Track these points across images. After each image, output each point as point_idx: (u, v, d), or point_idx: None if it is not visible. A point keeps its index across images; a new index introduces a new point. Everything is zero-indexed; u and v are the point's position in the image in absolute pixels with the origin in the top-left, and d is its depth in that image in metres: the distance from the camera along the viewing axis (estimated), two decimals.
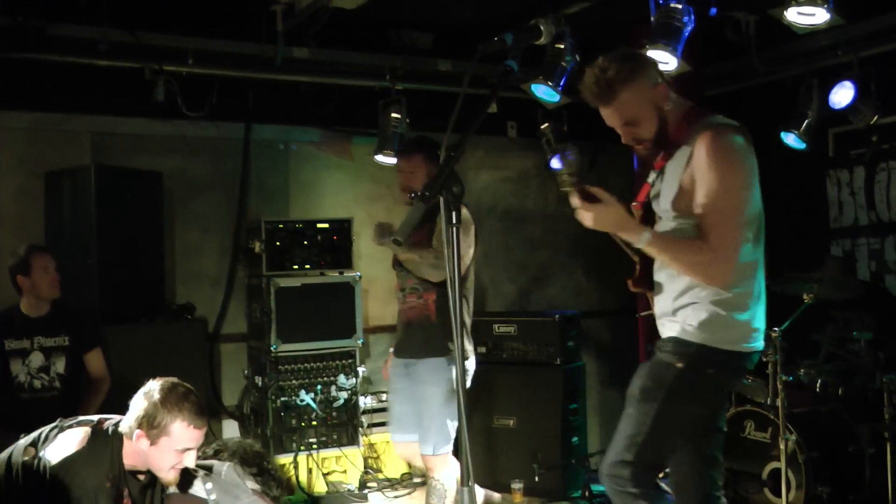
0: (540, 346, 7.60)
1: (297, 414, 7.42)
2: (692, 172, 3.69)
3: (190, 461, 4.15)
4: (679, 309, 3.88)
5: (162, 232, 7.27)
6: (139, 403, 4.09)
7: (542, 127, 8.64)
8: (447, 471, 5.74)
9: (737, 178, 3.68)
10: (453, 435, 5.58)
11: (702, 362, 3.81)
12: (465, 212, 5.28)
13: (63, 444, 4.01)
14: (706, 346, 3.78)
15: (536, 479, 7.29)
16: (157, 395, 4.08)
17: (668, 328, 3.95)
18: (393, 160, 7.84)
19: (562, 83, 6.76)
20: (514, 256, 9.38)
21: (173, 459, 4.10)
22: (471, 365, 5.75)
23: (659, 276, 4.02)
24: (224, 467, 4.73)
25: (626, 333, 9.22)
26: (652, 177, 4.02)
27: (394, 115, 7.73)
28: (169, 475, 4.16)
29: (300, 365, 7.42)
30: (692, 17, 5.95)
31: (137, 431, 4.02)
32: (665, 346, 3.90)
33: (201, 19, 7.33)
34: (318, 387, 7.46)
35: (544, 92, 6.96)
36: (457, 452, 5.96)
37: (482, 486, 7.20)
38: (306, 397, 7.38)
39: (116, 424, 4.13)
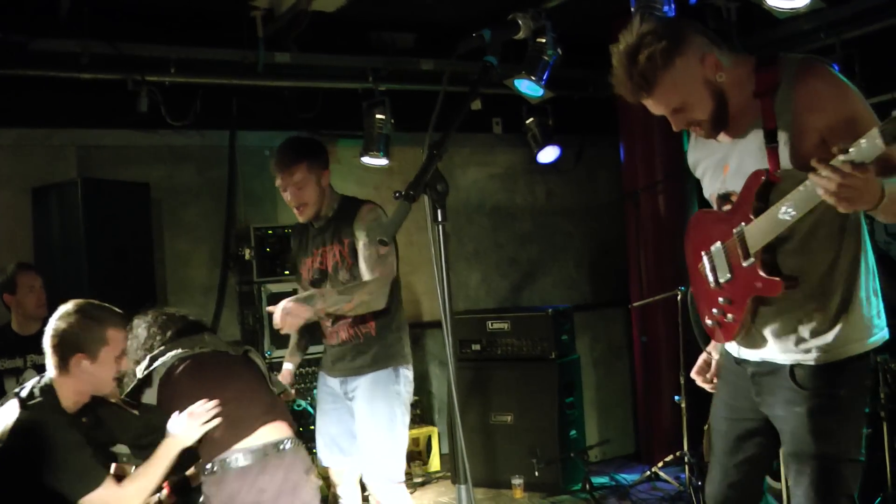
0: (534, 341, 7.60)
1: (294, 419, 7.39)
2: (811, 113, 2.99)
3: (125, 365, 4.16)
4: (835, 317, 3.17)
5: (151, 243, 7.25)
6: (61, 334, 3.97)
7: (528, 122, 8.66)
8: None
9: (861, 98, 3.08)
10: (402, 463, 4.98)
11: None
12: (375, 213, 4.94)
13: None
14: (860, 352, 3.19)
15: (536, 473, 7.30)
16: (76, 315, 3.99)
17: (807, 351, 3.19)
18: (379, 162, 7.84)
19: (545, 77, 6.75)
20: (505, 252, 9.38)
21: (114, 369, 4.06)
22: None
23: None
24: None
25: (620, 325, 9.24)
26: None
27: (378, 116, 7.72)
28: (111, 387, 4.14)
29: (295, 370, 7.40)
30: (672, 6, 5.95)
31: (75, 358, 3.92)
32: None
33: (182, 28, 7.32)
34: (314, 391, 7.44)
35: (528, 87, 6.95)
36: (453, 451, 5.97)
37: (481, 483, 7.21)
38: (303, 403, 7.37)
39: (40, 381, 4.01)
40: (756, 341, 3.27)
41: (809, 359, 3.14)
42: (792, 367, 3.16)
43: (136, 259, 7.01)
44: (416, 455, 8.25)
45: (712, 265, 3.33)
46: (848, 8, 7.02)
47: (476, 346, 7.64)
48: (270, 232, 7.47)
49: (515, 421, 7.56)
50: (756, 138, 3.11)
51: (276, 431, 4.36)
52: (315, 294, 4.78)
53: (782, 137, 3.02)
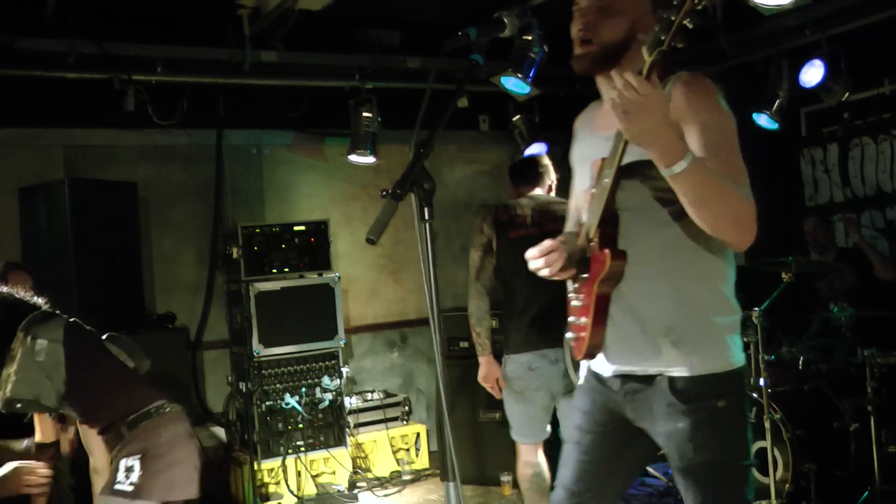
0: None
1: (282, 417, 7.41)
2: (677, 116, 2.78)
3: None
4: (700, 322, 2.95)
5: (139, 242, 7.24)
6: None
7: (514, 119, 8.67)
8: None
9: (732, 122, 2.90)
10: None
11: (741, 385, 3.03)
12: None
13: None
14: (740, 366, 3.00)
15: None
16: None
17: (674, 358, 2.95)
18: (366, 160, 7.84)
19: (531, 74, 6.76)
20: None
21: None
22: None
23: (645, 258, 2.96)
24: None
25: None
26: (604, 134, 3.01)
27: (365, 114, 7.72)
28: None
29: (283, 368, 7.42)
30: None
31: None
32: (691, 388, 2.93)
33: (168, 27, 7.32)
34: (303, 389, 7.45)
35: (514, 84, 6.96)
36: (442, 448, 6.00)
37: (471, 480, 7.22)
38: (291, 400, 7.37)
39: None
40: (623, 351, 3.01)
41: (685, 369, 2.90)
42: (670, 378, 2.91)
43: (124, 258, 7.00)
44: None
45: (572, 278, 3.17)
46: (833, 4, 7.03)
47: (464, 344, 7.62)
48: (258, 231, 7.46)
49: (503, 418, 7.55)
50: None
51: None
52: None
53: None
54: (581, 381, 3.27)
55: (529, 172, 5.60)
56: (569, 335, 3.19)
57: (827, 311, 6.67)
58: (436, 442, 8.52)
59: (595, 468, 3.13)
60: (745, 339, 6.03)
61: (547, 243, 3.03)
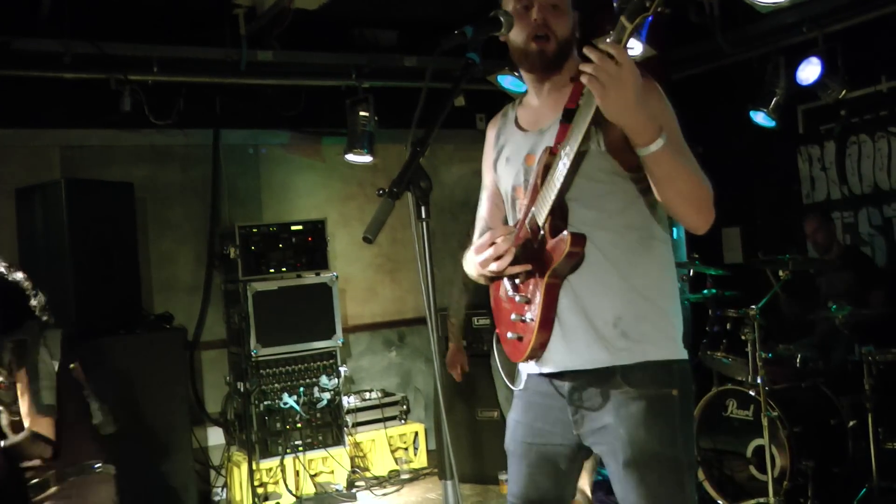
0: None
1: (281, 417, 7.41)
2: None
3: None
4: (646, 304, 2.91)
5: (136, 242, 7.22)
6: None
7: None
8: None
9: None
10: None
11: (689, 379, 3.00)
12: None
13: None
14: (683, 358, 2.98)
15: None
16: None
17: (620, 346, 2.88)
18: (363, 159, 7.84)
19: None
20: None
21: None
22: None
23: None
24: None
25: None
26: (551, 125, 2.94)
27: (362, 113, 7.72)
28: None
29: (281, 368, 7.42)
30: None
31: None
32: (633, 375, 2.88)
33: (164, 27, 7.31)
34: (301, 389, 7.45)
35: (511, 83, 6.98)
36: (440, 447, 6.04)
37: (469, 479, 7.23)
38: (289, 400, 7.37)
39: None
40: (571, 346, 2.89)
41: (637, 356, 2.84)
42: (622, 368, 2.84)
43: (121, 259, 6.99)
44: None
45: (511, 275, 2.99)
46: (830, 1, 7.04)
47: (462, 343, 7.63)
48: (255, 230, 7.46)
49: (502, 416, 7.56)
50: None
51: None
52: None
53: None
54: (521, 386, 3.15)
55: None
56: (509, 335, 3.01)
57: (825, 309, 6.68)
58: (434, 441, 8.52)
59: (546, 480, 3.05)
60: (743, 337, 6.05)
61: (491, 234, 2.90)
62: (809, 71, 7.19)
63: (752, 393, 6.07)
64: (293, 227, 7.59)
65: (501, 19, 2.76)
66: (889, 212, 7.66)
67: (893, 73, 7.43)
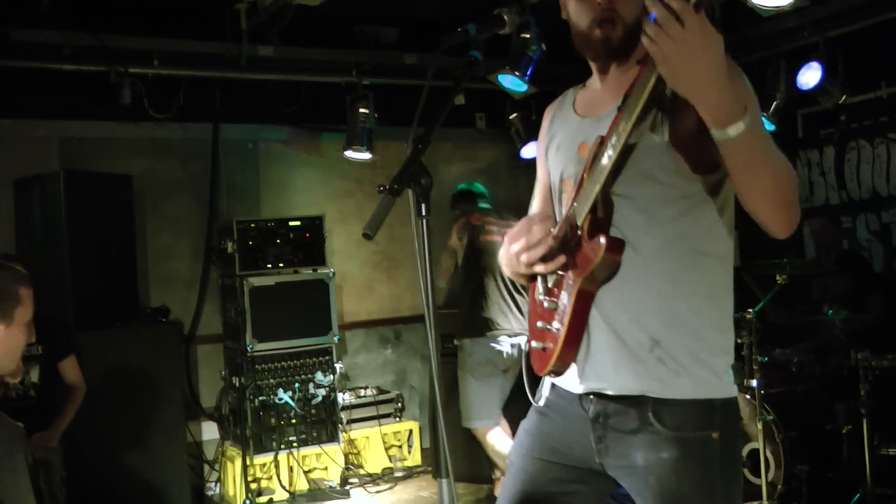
0: None
1: (275, 413, 7.41)
2: None
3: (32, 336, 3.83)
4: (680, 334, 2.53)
5: (133, 235, 7.22)
6: None
7: (511, 117, 8.68)
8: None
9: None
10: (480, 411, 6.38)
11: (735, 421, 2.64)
12: None
13: None
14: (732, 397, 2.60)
15: None
16: None
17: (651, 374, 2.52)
18: (362, 156, 7.84)
19: (528, 72, 6.76)
20: None
21: (25, 336, 3.76)
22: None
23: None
24: None
25: None
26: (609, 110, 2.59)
27: (361, 110, 7.71)
28: (16, 363, 3.83)
29: (277, 364, 7.42)
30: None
31: None
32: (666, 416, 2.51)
33: (165, 20, 7.30)
34: (296, 385, 7.45)
35: (511, 82, 6.96)
36: (435, 445, 6.06)
37: (463, 478, 7.22)
38: (284, 396, 7.37)
39: None
40: (597, 366, 2.57)
41: (672, 391, 2.49)
42: (653, 400, 2.49)
43: (119, 251, 6.98)
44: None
45: (544, 274, 2.69)
46: (832, 6, 7.04)
47: (459, 343, 7.62)
48: (253, 225, 7.46)
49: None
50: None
51: None
52: None
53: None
54: (541, 402, 2.82)
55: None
56: (534, 344, 2.73)
57: (821, 313, 6.68)
58: (428, 439, 8.52)
59: (545, 500, 2.74)
60: (739, 340, 6.05)
61: (528, 220, 2.62)
62: (810, 75, 7.20)
63: (747, 396, 6.07)
64: (291, 223, 7.59)
65: (505, 18, 2.75)
66: (887, 218, 7.67)
67: (893, 80, 7.44)
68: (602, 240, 2.43)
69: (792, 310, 7.26)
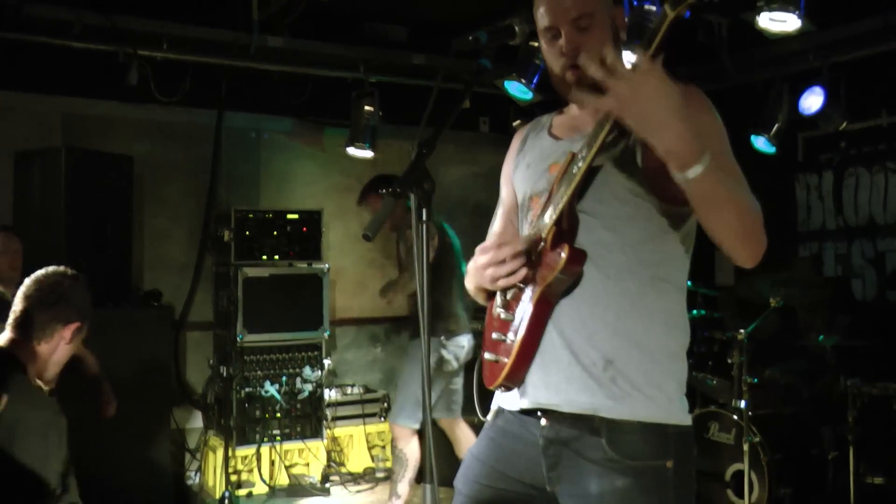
0: None
1: (261, 405, 7.41)
2: None
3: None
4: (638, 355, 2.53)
5: (131, 217, 7.21)
6: (46, 303, 3.86)
7: (514, 124, 8.68)
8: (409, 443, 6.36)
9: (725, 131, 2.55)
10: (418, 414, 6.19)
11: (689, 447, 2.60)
12: None
13: None
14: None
15: None
16: (66, 285, 3.99)
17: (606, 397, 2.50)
18: (364, 153, 7.84)
19: (534, 81, 6.77)
20: None
21: (73, 347, 4.01)
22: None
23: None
24: None
25: None
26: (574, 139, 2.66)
27: (366, 107, 7.71)
28: (56, 370, 3.98)
29: (266, 356, 7.41)
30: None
31: (58, 334, 3.86)
32: (621, 442, 2.48)
33: (177, 5, 7.29)
34: (283, 378, 7.45)
35: (517, 89, 6.97)
36: (421, 449, 6.08)
37: (446, 482, 7.22)
38: (271, 388, 7.36)
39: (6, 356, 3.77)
40: (550, 381, 2.54)
41: (624, 411, 2.47)
42: (607, 422, 2.47)
43: (115, 231, 6.98)
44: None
45: (503, 288, 2.68)
46: (837, 32, 7.05)
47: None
48: (251, 215, 7.46)
49: (480, 422, 7.56)
50: None
51: None
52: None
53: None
54: (489, 417, 2.82)
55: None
56: (486, 356, 2.70)
57: (811, 339, 6.70)
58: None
59: None
60: (730, 360, 6.07)
61: (494, 238, 2.68)
62: (812, 100, 7.21)
63: (734, 417, 6.09)
64: (289, 216, 7.58)
65: (516, 28, 2.75)
66: (882, 246, 7.68)
67: (894, 108, 7.46)
68: (564, 249, 2.44)
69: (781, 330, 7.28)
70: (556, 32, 2.62)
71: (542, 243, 2.53)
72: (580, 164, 2.44)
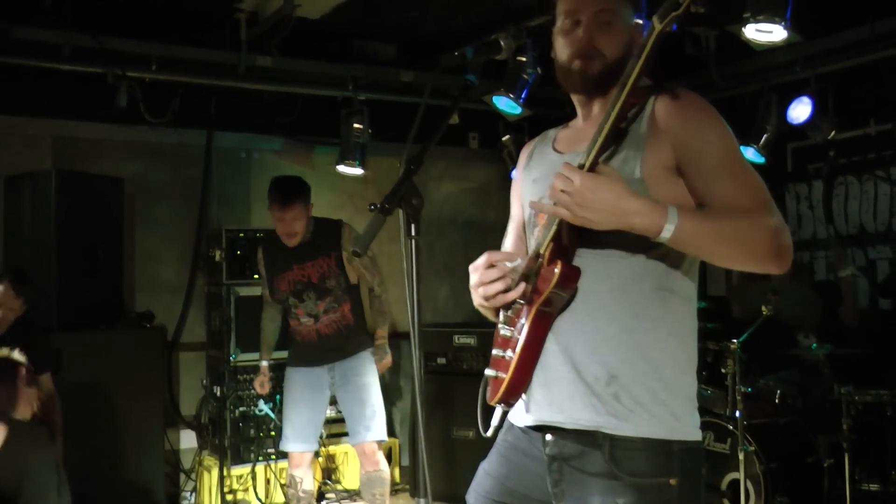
0: None
1: (255, 424, 7.40)
2: (668, 137, 2.47)
3: None
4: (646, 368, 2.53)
5: (122, 238, 7.22)
6: None
7: (504, 139, 8.70)
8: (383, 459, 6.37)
9: (734, 137, 2.55)
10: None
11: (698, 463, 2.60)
12: (353, 230, 5.82)
13: None
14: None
15: None
16: None
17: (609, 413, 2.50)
18: (355, 171, 7.84)
19: (523, 95, 6.78)
20: None
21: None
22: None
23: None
24: None
25: None
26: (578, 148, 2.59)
27: (356, 125, 7.71)
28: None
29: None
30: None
31: None
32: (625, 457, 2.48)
33: (165, 26, 7.31)
34: (277, 396, 7.42)
35: (506, 104, 6.98)
36: (414, 463, 6.07)
37: (441, 498, 7.20)
38: (265, 407, 7.35)
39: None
40: (553, 397, 2.55)
41: (628, 428, 2.46)
42: (610, 438, 2.46)
43: (106, 253, 6.98)
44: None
45: (504, 305, 2.70)
46: (824, 42, 7.08)
47: (441, 360, 7.63)
48: (242, 235, 7.45)
49: (477, 436, 7.54)
50: None
51: None
52: (384, 343, 6.30)
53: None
54: (489, 433, 2.82)
55: None
56: (488, 372, 2.71)
57: (803, 347, 6.71)
58: (407, 457, 8.50)
59: None
60: (724, 370, 6.08)
61: (488, 256, 2.68)
62: (800, 110, 7.23)
63: (729, 426, 6.09)
64: None
65: (501, 44, 2.77)
66: (873, 254, 7.70)
67: (882, 117, 7.49)
68: (557, 265, 2.44)
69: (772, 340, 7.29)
70: (576, 21, 2.63)
71: (541, 259, 2.54)
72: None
